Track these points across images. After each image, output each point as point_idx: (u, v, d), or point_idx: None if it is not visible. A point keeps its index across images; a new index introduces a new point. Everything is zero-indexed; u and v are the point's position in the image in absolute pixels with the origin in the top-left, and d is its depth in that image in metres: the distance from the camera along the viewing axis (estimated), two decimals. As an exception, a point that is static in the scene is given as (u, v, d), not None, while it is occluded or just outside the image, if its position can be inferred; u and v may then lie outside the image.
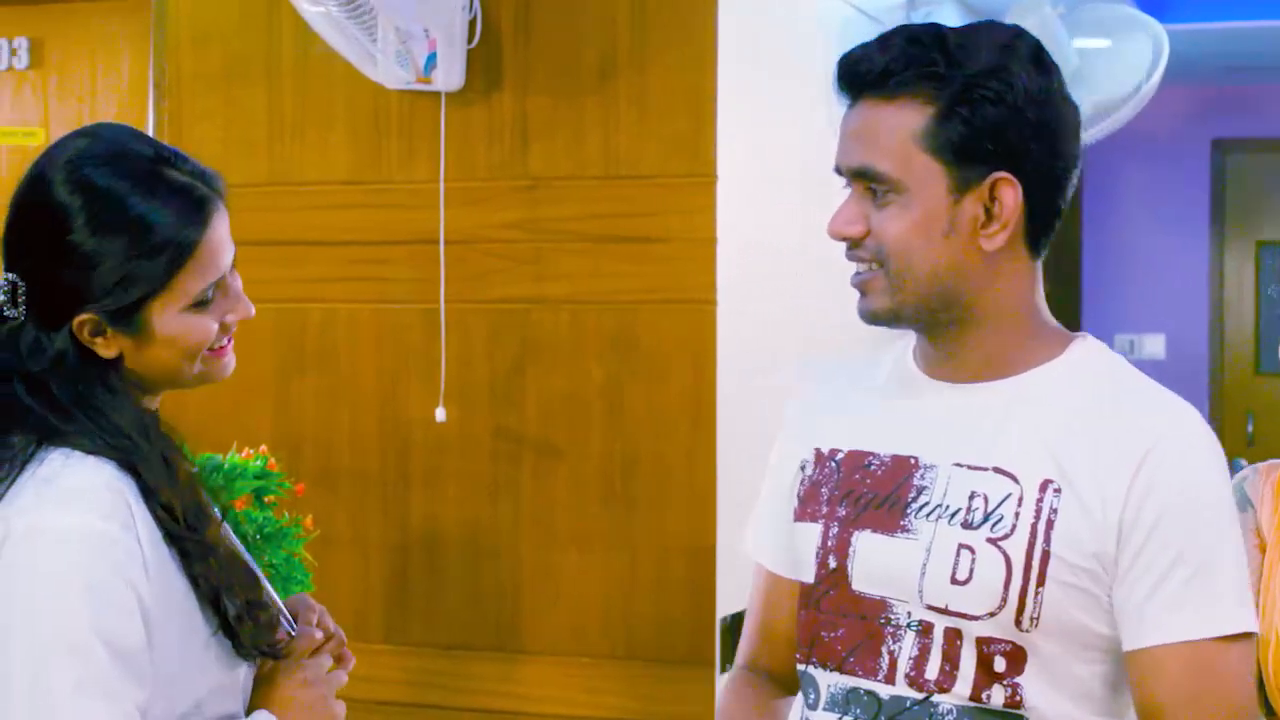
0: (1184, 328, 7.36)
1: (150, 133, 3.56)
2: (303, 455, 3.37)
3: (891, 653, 1.70)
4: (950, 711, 1.67)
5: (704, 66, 3.14)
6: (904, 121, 1.67)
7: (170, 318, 1.75)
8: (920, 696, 1.68)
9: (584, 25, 3.21)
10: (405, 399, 3.33)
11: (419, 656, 3.34)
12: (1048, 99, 1.68)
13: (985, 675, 1.66)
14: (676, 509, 3.17)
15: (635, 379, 3.19)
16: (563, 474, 3.24)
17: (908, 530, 1.71)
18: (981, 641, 1.66)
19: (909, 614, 1.70)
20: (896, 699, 1.70)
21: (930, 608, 1.68)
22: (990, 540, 1.66)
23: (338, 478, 3.38)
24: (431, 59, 3.17)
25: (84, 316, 1.73)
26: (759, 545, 1.93)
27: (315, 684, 1.83)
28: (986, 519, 1.67)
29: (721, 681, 3.16)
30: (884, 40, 1.69)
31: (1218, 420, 6.96)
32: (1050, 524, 1.64)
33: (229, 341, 1.83)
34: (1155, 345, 7.24)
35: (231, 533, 1.88)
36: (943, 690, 1.67)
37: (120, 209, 1.71)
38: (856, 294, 1.76)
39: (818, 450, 1.83)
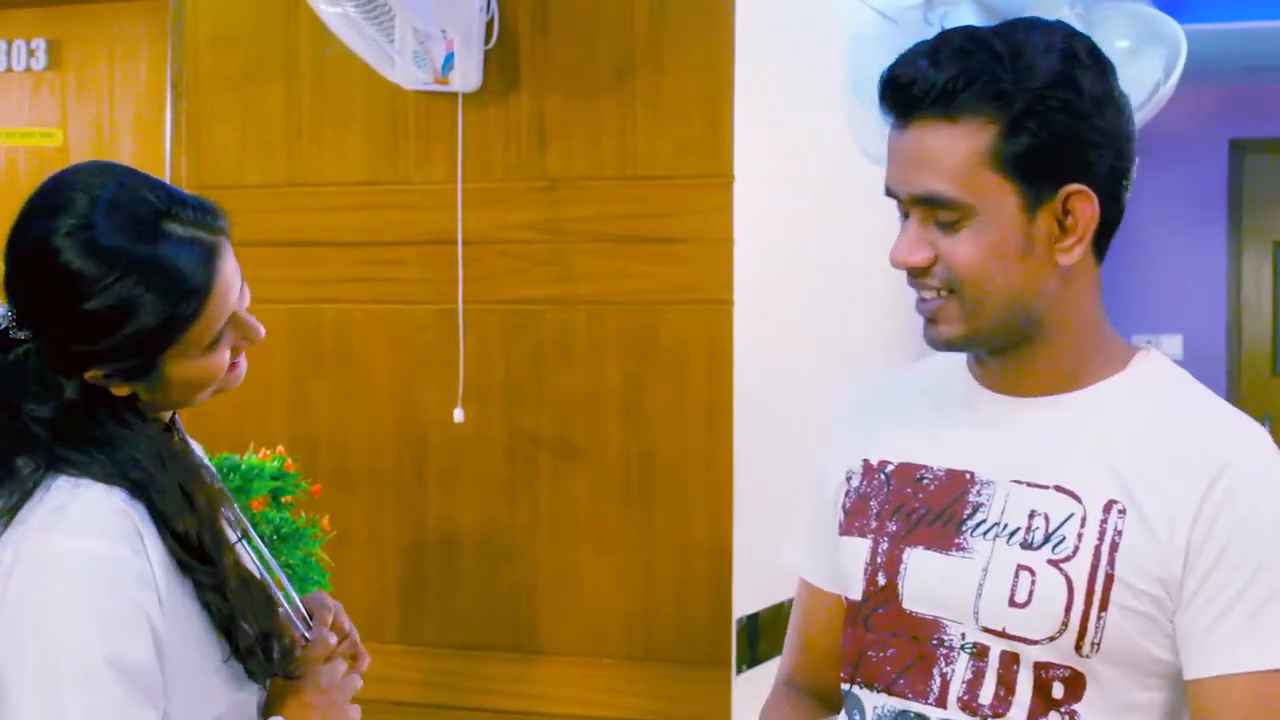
0: (1201, 328, 7.34)
1: (168, 134, 3.58)
2: (319, 456, 3.37)
3: (943, 675, 1.65)
4: None
5: (721, 67, 3.14)
6: (970, 142, 1.58)
7: (183, 366, 1.74)
8: None
9: (601, 26, 3.21)
10: (421, 399, 3.34)
11: (434, 657, 3.34)
12: (1110, 99, 1.61)
13: (1042, 701, 1.60)
14: (693, 509, 3.16)
15: (652, 379, 3.19)
16: (580, 474, 3.24)
17: (963, 549, 1.65)
18: (1040, 666, 1.60)
19: (963, 635, 1.64)
20: None
21: (986, 630, 1.62)
22: (1051, 562, 1.60)
23: (354, 478, 3.39)
24: (449, 60, 3.17)
25: (94, 372, 1.72)
26: (799, 557, 1.87)
27: (329, 690, 1.83)
28: (1047, 539, 1.61)
29: (739, 683, 3.16)
30: (932, 55, 1.61)
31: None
32: (1114, 546, 1.58)
33: (240, 357, 1.83)
34: (1172, 346, 7.21)
35: (248, 553, 1.87)
36: (997, 715, 1.62)
37: (124, 282, 1.66)
38: (924, 320, 1.68)
39: (866, 462, 1.77)
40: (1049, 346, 1.66)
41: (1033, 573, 1.60)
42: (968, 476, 1.68)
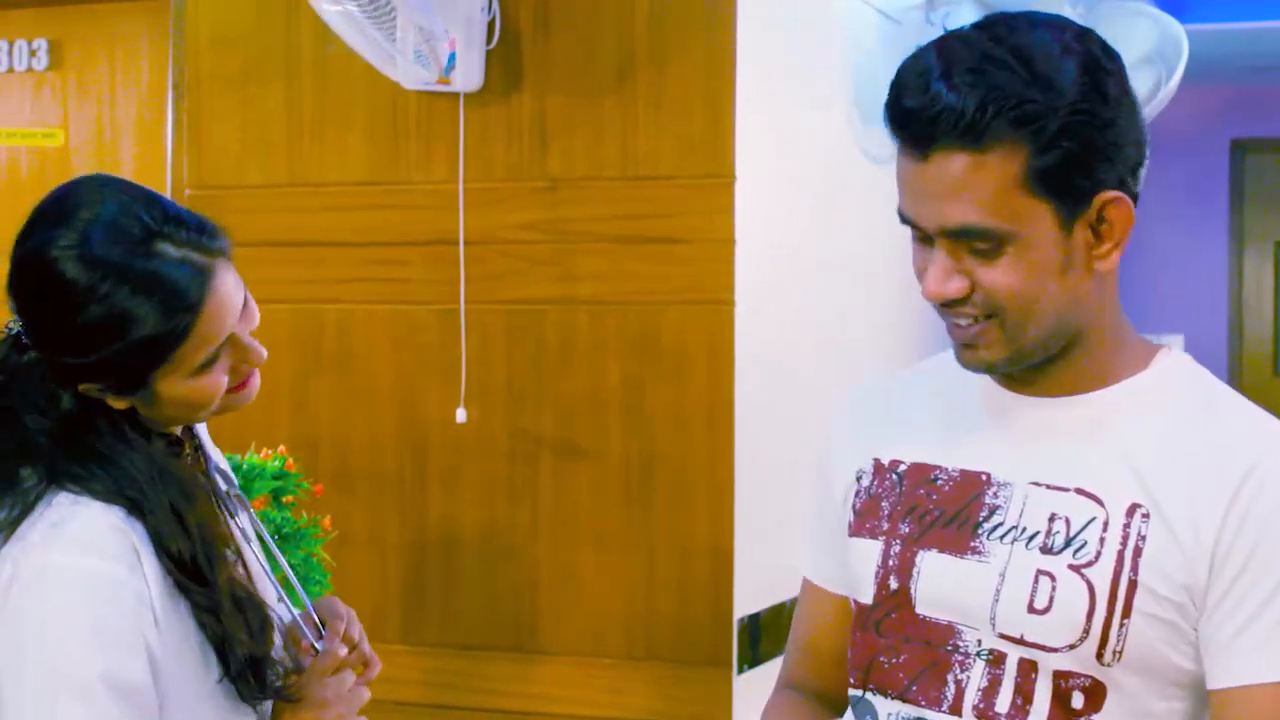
0: (1203, 329, 7.34)
1: (169, 133, 3.58)
2: (320, 456, 3.37)
3: (959, 682, 1.60)
4: None
5: (723, 67, 3.14)
6: (1000, 169, 1.50)
7: (175, 384, 1.74)
8: None
9: (603, 26, 3.21)
10: (423, 399, 3.34)
11: (436, 657, 3.34)
12: (1128, 96, 1.56)
13: (1061, 710, 1.56)
14: (695, 509, 3.16)
15: (653, 379, 3.19)
16: (581, 474, 3.24)
17: (979, 552, 1.60)
18: (1059, 675, 1.56)
19: (979, 642, 1.60)
20: None
21: (1003, 636, 1.58)
22: (1073, 567, 1.55)
23: (355, 478, 3.38)
24: (452, 59, 3.17)
25: (88, 385, 1.73)
26: (804, 557, 1.84)
27: (335, 703, 1.83)
28: (1069, 544, 1.56)
29: (739, 683, 3.16)
30: (946, 78, 1.51)
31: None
32: (1138, 551, 1.54)
33: (250, 375, 1.83)
34: (1174, 346, 7.20)
35: (258, 558, 1.87)
36: None
37: (116, 296, 1.67)
38: (958, 344, 1.62)
39: (877, 461, 1.73)
40: (1081, 350, 1.62)
41: (1053, 578, 1.56)
42: (983, 477, 1.64)
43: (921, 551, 1.64)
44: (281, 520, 2.84)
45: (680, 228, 3.16)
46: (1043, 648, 1.56)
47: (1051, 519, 1.58)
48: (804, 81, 3.53)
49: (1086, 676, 1.56)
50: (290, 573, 1.93)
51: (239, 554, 1.83)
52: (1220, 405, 1.63)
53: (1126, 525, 1.55)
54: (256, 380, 1.83)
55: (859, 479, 1.74)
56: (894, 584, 1.66)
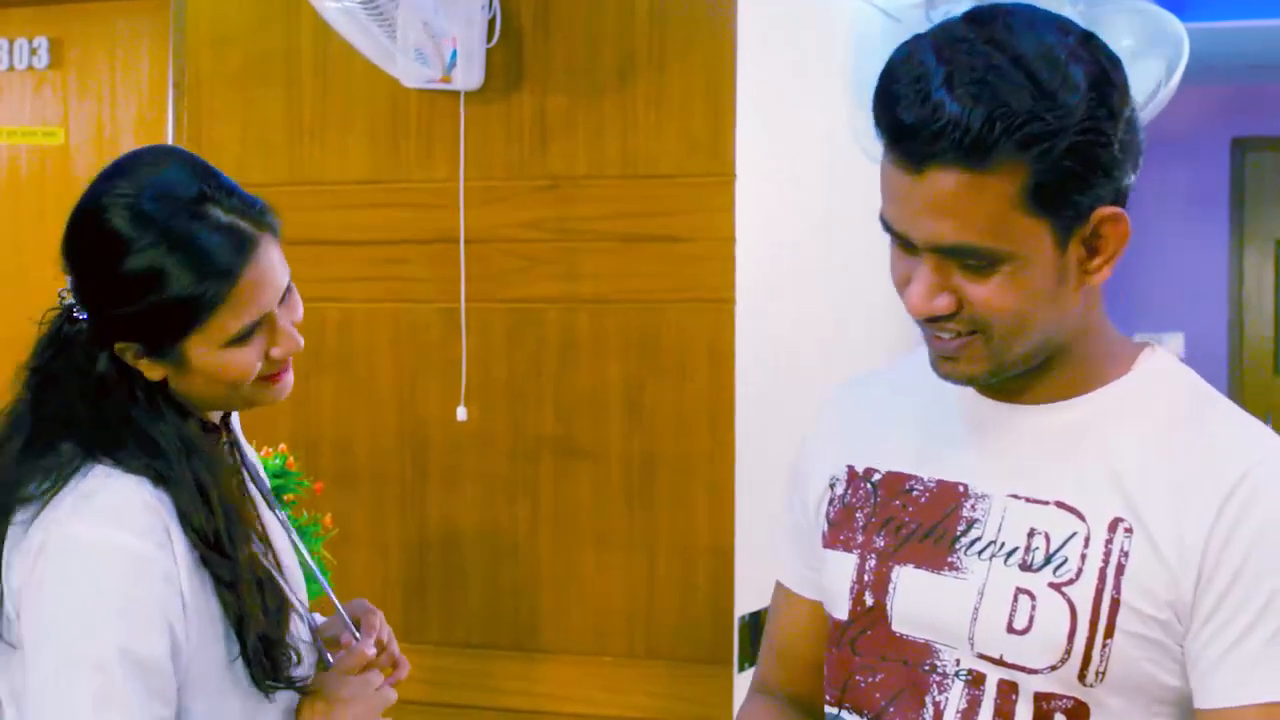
0: (1203, 327, 7.34)
1: (169, 132, 3.58)
2: (321, 454, 3.37)
3: (937, 703, 1.55)
4: None
5: (723, 65, 3.14)
6: (1000, 189, 1.43)
7: (207, 353, 1.76)
8: None
9: (603, 24, 3.21)
10: (424, 398, 3.34)
11: (438, 655, 3.34)
12: (1129, 108, 1.48)
13: None
14: (695, 508, 3.16)
15: (654, 378, 3.19)
16: (582, 473, 3.24)
17: (956, 568, 1.55)
18: (1040, 697, 1.50)
19: (957, 661, 1.54)
20: None
21: (982, 656, 1.52)
22: (1053, 585, 1.49)
23: (356, 477, 3.38)
24: (453, 57, 3.17)
25: (123, 344, 1.75)
26: (779, 561, 1.80)
27: (353, 701, 1.84)
28: (1048, 561, 1.50)
29: (740, 680, 3.16)
30: (949, 89, 1.42)
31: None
32: (1120, 568, 1.47)
33: (284, 369, 1.84)
34: (1174, 344, 7.21)
35: (278, 557, 1.88)
36: None
37: (156, 250, 1.72)
38: (937, 355, 1.56)
39: (850, 468, 1.68)
40: (1063, 357, 1.56)
41: (1033, 597, 1.50)
42: (960, 489, 1.58)
43: (898, 567, 1.59)
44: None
45: (681, 226, 3.16)
46: (1023, 669, 1.51)
47: (1031, 534, 1.52)
48: (805, 80, 3.52)
49: (1069, 698, 1.50)
50: (319, 573, 1.94)
51: (267, 542, 1.84)
52: (1205, 410, 1.57)
53: (1108, 541, 1.49)
54: (290, 377, 1.86)
55: (833, 486, 1.70)
56: (869, 600, 1.61)
